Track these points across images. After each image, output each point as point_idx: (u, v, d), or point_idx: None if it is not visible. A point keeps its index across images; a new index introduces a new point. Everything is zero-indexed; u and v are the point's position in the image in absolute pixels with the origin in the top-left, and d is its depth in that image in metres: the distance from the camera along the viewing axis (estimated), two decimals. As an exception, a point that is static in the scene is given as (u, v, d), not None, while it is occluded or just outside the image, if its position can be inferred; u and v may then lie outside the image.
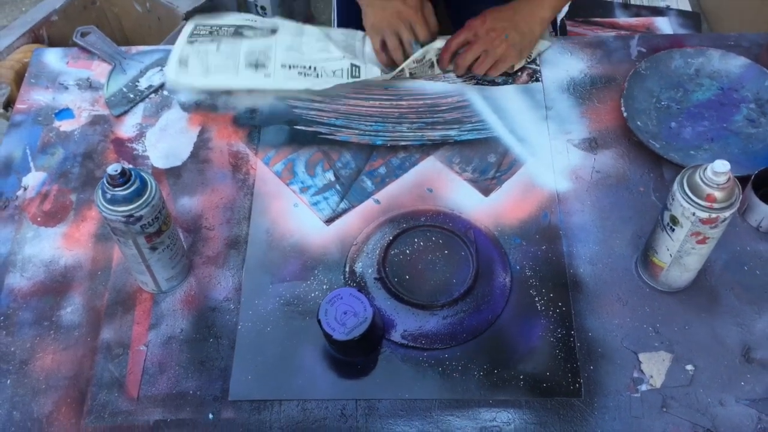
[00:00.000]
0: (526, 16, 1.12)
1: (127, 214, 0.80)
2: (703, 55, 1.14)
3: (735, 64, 1.13)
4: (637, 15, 2.11)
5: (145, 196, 0.81)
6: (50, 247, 0.98)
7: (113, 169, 0.78)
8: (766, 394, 0.84)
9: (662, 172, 1.03)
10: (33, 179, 1.05)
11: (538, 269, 0.95)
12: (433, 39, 1.15)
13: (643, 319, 0.90)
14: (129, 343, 0.89)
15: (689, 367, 0.87)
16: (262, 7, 1.88)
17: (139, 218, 0.81)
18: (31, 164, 1.07)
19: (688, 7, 2.15)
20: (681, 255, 0.86)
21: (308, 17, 2.15)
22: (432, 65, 1.15)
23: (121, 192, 0.79)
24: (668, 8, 2.12)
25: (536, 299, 0.92)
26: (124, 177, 0.79)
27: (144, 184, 0.81)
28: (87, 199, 1.02)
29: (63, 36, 1.61)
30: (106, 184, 0.79)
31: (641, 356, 0.87)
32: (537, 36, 1.14)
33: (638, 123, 1.07)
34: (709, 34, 1.16)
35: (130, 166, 0.89)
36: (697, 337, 0.89)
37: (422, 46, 1.13)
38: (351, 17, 1.23)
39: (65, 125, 1.11)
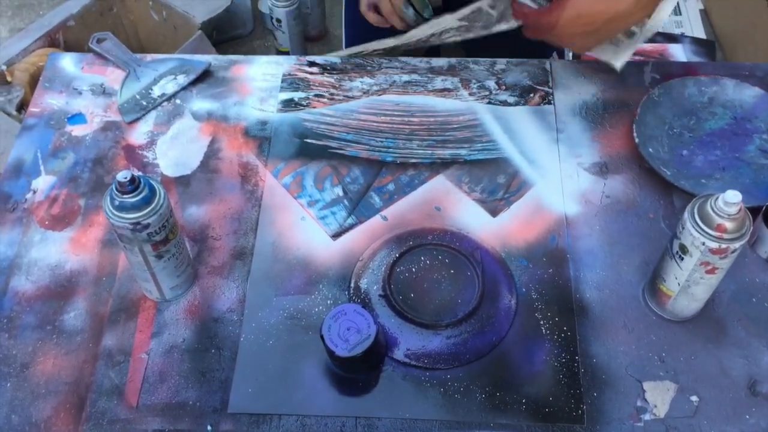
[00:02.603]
0: (622, 17, 1.00)
1: (135, 221, 0.80)
2: (717, 84, 1.14)
3: (749, 94, 1.13)
4: (652, 41, 2.11)
5: (153, 204, 0.81)
6: (57, 251, 0.98)
7: (122, 175, 0.78)
8: (771, 429, 0.84)
9: (672, 200, 1.03)
10: (43, 183, 1.05)
11: (544, 292, 0.94)
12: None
13: (648, 348, 0.89)
14: (130, 350, 0.89)
15: (694, 398, 0.86)
16: (278, 20, 1.89)
17: (147, 226, 0.81)
18: (42, 168, 1.07)
19: (702, 35, 2.16)
20: (689, 284, 0.85)
21: (322, 31, 2.16)
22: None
23: (129, 199, 0.79)
24: (683, 35, 2.13)
25: (541, 323, 0.91)
26: (133, 184, 0.79)
27: (153, 191, 0.81)
28: (95, 204, 1.03)
29: (79, 41, 1.62)
30: (115, 191, 0.79)
31: (645, 385, 0.87)
32: (617, 30, 1.04)
33: (650, 149, 1.07)
34: (723, 63, 1.16)
35: (140, 173, 0.89)
36: (702, 367, 0.88)
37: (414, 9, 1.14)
38: (359, 36, 1.23)
39: (77, 130, 1.12)
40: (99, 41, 1.22)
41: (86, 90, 1.17)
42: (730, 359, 0.89)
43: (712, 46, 2.09)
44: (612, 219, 1.01)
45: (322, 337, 0.83)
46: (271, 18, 1.91)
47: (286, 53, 1.99)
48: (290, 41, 1.95)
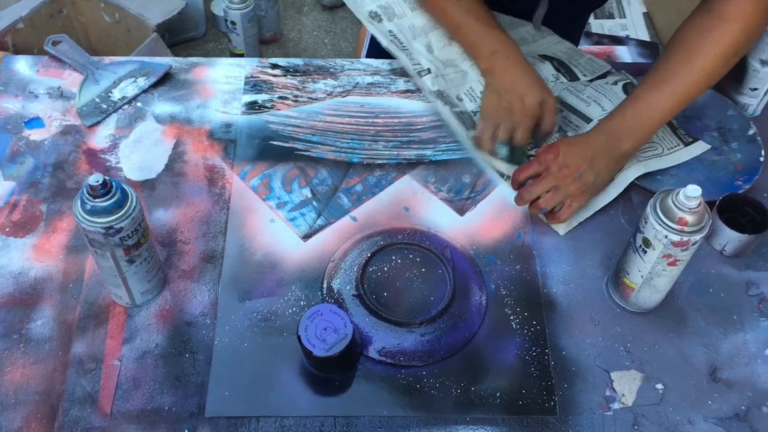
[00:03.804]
0: (602, 152, 1.00)
1: (107, 225, 0.79)
2: (668, 84, 1.18)
3: (698, 93, 1.17)
4: (599, 43, 2.17)
5: (126, 208, 0.80)
6: (19, 258, 0.95)
7: (95, 179, 0.77)
8: (732, 413, 0.87)
9: (630, 196, 1.07)
10: (1, 189, 1.02)
11: (512, 288, 0.96)
12: (532, 143, 1.08)
13: (614, 339, 0.93)
14: (102, 357, 0.87)
15: (659, 386, 0.89)
16: (233, 22, 1.88)
17: (119, 230, 0.80)
18: (0, 173, 1.04)
19: (646, 37, 2.23)
20: (652, 276, 0.89)
21: (277, 34, 2.15)
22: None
23: (101, 203, 0.78)
24: (628, 38, 2.20)
25: (511, 318, 0.94)
26: (105, 188, 0.78)
27: (125, 195, 0.80)
28: (58, 209, 1.00)
29: (28, 44, 1.58)
30: (87, 195, 0.78)
31: (613, 375, 0.89)
32: (612, 176, 1.03)
33: (608, 147, 1.10)
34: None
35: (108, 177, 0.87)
36: (666, 356, 0.92)
37: (512, 149, 1.07)
38: (382, 51, 1.22)
39: (35, 134, 1.09)
40: (54, 44, 1.19)
41: (43, 93, 1.14)
42: (691, 348, 0.93)
43: (655, 48, 2.16)
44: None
45: (299, 337, 0.83)
46: (226, 20, 1.90)
47: (241, 56, 1.97)
48: (245, 44, 1.94)
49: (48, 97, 1.14)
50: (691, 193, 0.81)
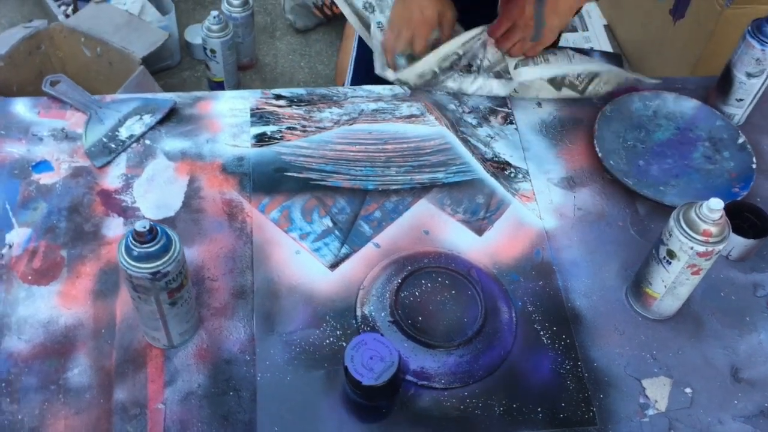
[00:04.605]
0: (562, 3, 1.15)
1: (154, 270, 0.79)
2: (659, 98, 1.24)
3: (687, 105, 1.23)
4: (566, 56, 2.23)
5: (171, 252, 0.80)
6: (46, 306, 0.94)
7: (141, 225, 0.77)
8: (757, 411, 0.92)
9: (636, 208, 1.11)
10: (17, 236, 1.00)
11: (538, 304, 0.99)
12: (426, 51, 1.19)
13: (640, 347, 0.96)
14: (145, 402, 0.87)
15: (688, 390, 0.93)
16: (212, 50, 1.88)
17: (166, 274, 0.80)
18: (13, 220, 1.02)
19: (609, 48, 2.31)
20: (675, 286, 0.93)
21: (253, 60, 2.15)
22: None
23: (147, 249, 0.78)
24: (592, 50, 2.27)
25: (541, 333, 0.97)
26: (151, 233, 0.78)
27: (169, 239, 0.80)
28: (79, 254, 0.99)
29: (8, 82, 1.55)
30: (133, 241, 0.78)
31: (644, 382, 0.93)
32: (572, 16, 1.22)
33: (611, 162, 1.15)
34: (660, 78, 1.27)
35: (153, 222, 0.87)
36: (690, 361, 0.96)
37: (408, 58, 1.20)
38: (366, 78, 1.25)
39: (45, 178, 1.07)
40: (53, 84, 1.17)
41: (47, 135, 1.13)
42: (711, 350, 0.97)
43: (619, 59, 2.23)
44: (587, 229, 1.08)
45: (345, 368, 0.84)
46: (205, 49, 1.89)
47: (220, 83, 1.97)
48: (225, 71, 1.93)
49: (53, 139, 1.12)
50: (714, 206, 0.86)
